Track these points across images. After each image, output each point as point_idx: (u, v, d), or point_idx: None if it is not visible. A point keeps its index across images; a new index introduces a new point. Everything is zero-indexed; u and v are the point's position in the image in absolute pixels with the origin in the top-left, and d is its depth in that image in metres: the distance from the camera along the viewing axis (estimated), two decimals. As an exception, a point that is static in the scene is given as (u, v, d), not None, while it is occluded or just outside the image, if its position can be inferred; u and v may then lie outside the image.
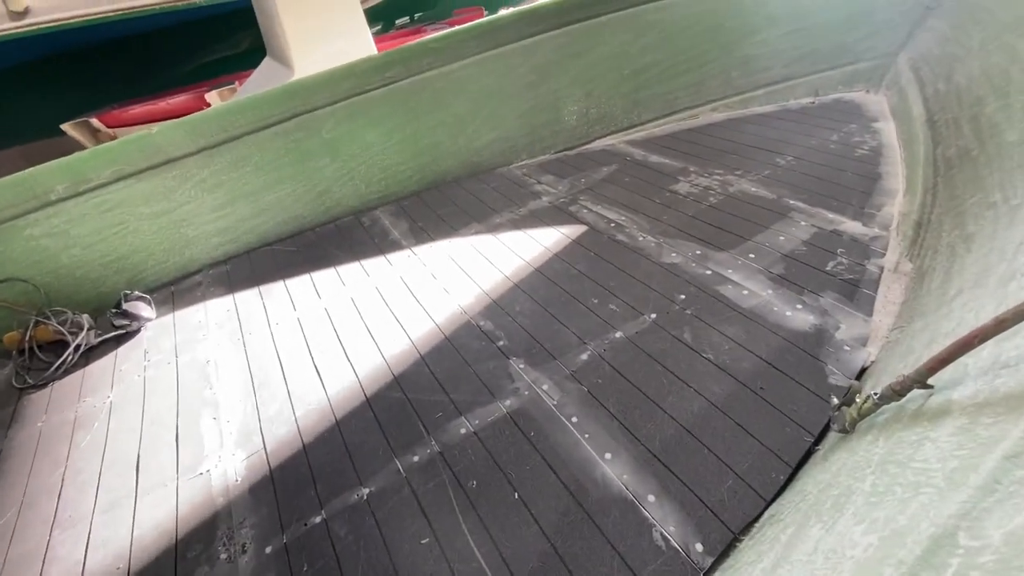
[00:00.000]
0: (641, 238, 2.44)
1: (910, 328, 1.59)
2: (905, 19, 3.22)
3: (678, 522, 1.32)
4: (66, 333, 2.43)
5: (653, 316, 1.97)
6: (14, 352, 2.48)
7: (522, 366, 1.88)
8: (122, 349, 2.43)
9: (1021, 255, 1.32)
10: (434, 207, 3.12)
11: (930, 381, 1.09)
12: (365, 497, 1.54)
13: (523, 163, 3.47)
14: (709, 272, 2.13)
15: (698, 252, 2.26)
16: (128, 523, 1.62)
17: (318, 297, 2.50)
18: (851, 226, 2.23)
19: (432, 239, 2.79)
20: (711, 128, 3.36)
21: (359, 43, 4.16)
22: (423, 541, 1.40)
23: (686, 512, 1.34)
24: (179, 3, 4.73)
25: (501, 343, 2.00)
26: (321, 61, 3.98)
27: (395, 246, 2.80)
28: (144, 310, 2.53)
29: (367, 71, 3.06)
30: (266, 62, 4.90)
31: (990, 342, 0.97)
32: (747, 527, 1.28)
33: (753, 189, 2.62)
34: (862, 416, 1.26)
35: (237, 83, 5.71)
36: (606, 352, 1.86)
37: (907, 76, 3.02)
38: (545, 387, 1.77)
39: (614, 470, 1.47)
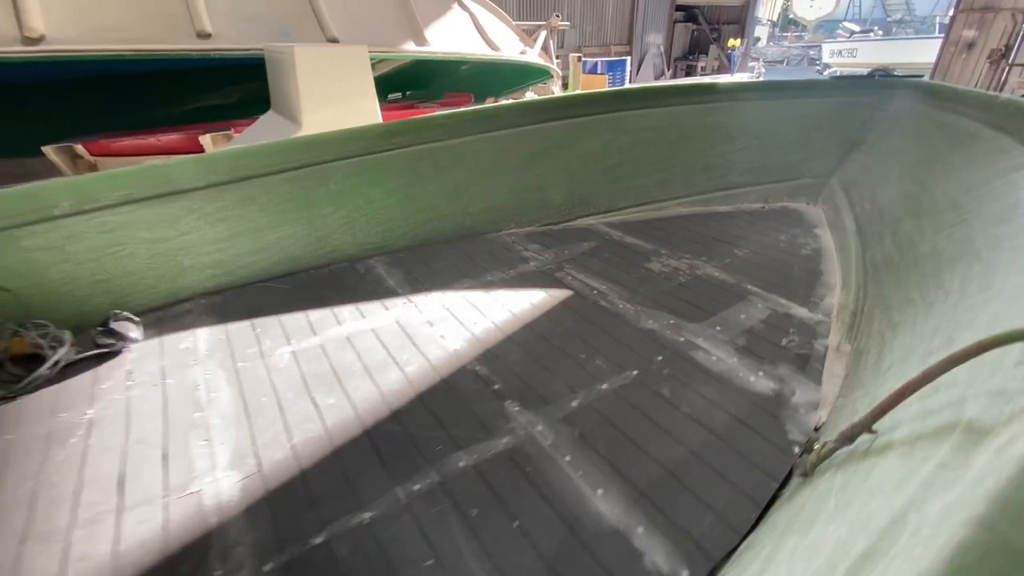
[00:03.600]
0: (621, 305, 2.71)
1: (852, 396, 1.87)
2: (836, 148, 3.89)
3: (666, 551, 1.45)
4: (45, 346, 2.36)
5: (635, 373, 2.19)
6: (-20, 363, 2.37)
7: (516, 408, 2.02)
8: (103, 368, 2.38)
9: (936, 337, 1.65)
10: (427, 262, 3.32)
11: (874, 427, 1.34)
12: (367, 521, 1.58)
13: (511, 231, 3.77)
14: (682, 339, 2.40)
15: (671, 322, 2.54)
16: (110, 538, 1.57)
17: (313, 334, 2.58)
18: (800, 311, 2.59)
19: (427, 290, 2.97)
20: (678, 220, 3.82)
21: (365, 109, 4.51)
22: (426, 563, 1.45)
23: (672, 543, 1.48)
24: (193, 51, 4.99)
25: (496, 387, 2.14)
26: (328, 121, 4.28)
27: (390, 293, 2.95)
28: (132, 331, 2.51)
29: (377, 135, 3.36)
30: (269, 115, 5.16)
31: (916, 397, 1.23)
32: (726, 556, 1.44)
33: (716, 274, 3.00)
34: (821, 460, 1.48)
35: (233, 130, 5.91)
36: (594, 401, 2.04)
37: (839, 195, 3.61)
38: (539, 428, 1.91)
39: (606, 505, 1.60)
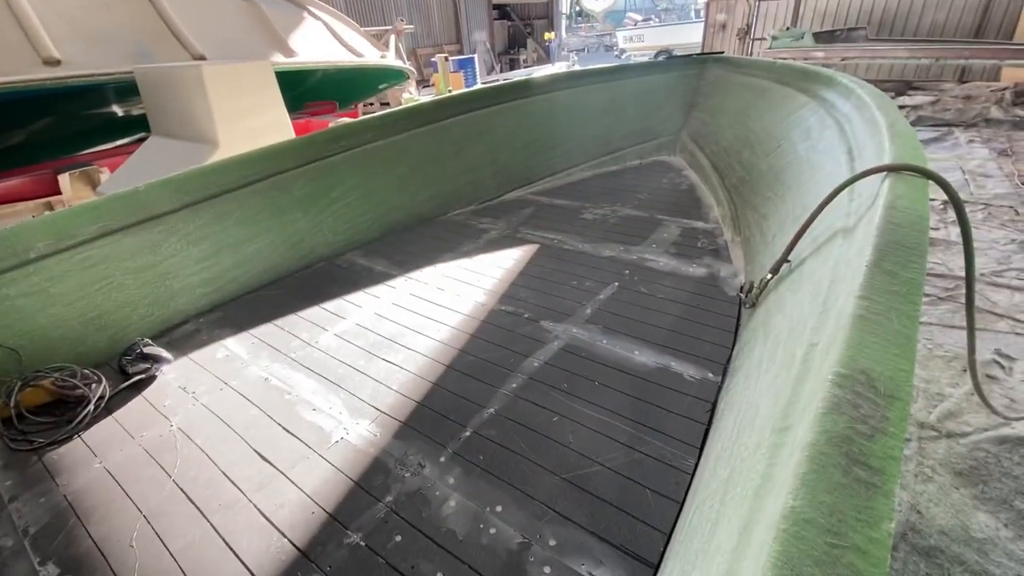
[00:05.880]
0: (580, 246, 3.47)
1: (757, 260, 2.86)
2: (679, 112, 5.13)
3: (693, 369, 2.24)
4: (82, 386, 2.32)
5: (616, 284, 2.96)
6: (-2, 422, 2.24)
7: (550, 324, 2.65)
8: (149, 392, 2.42)
9: (795, 211, 2.67)
10: (400, 247, 3.71)
11: (789, 258, 2.26)
12: (494, 413, 2.10)
13: (457, 212, 4.29)
14: (635, 257, 3.24)
15: (621, 248, 3.38)
16: (292, 489, 1.85)
17: (342, 319, 2.87)
18: (699, 224, 3.62)
19: (417, 267, 3.39)
20: (585, 181, 4.72)
21: (276, 121, 4.57)
22: (554, 420, 2.03)
23: (694, 364, 2.27)
24: (48, 81, 4.41)
25: (526, 315, 2.74)
26: (243, 136, 4.29)
27: (386, 276, 3.31)
28: (164, 353, 2.55)
29: (325, 141, 3.64)
30: (155, 140, 4.85)
31: (804, 236, 2.15)
32: (726, 362, 2.27)
33: (634, 212, 3.92)
34: (761, 290, 2.39)
35: (96, 164, 5.33)
36: (600, 306, 2.76)
37: (691, 144, 4.82)
38: (574, 331, 2.57)
39: (644, 357, 2.34)
